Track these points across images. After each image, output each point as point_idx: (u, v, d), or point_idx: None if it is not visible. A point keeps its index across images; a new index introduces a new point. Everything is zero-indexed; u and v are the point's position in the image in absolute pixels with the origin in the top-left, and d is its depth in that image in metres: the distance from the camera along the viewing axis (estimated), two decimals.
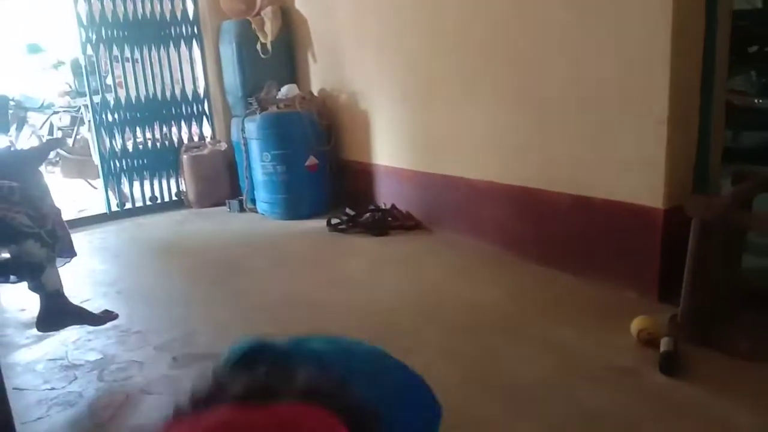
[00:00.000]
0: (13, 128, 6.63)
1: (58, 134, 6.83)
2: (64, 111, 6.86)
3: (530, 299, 2.85)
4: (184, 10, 5.17)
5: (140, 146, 5.24)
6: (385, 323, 2.69)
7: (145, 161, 5.24)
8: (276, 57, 4.90)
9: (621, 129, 2.75)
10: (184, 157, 5.17)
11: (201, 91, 5.39)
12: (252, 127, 4.58)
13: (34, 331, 2.56)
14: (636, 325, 2.37)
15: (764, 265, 2.89)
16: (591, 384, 2.13)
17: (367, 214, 4.22)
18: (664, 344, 2.25)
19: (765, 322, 2.38)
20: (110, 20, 4.88)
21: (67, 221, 2.68)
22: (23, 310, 3.10)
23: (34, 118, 7.00)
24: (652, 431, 1.87)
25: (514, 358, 2.34)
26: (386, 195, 4.40)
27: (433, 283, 3.15)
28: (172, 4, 5.10)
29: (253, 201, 4.91)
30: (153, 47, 5.09)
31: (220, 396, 0.75)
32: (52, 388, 2.37)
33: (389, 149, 4.34)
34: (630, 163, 2.73)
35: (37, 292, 2.34)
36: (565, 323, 2.56)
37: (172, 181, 5.40)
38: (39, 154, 3.05)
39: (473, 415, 2.02)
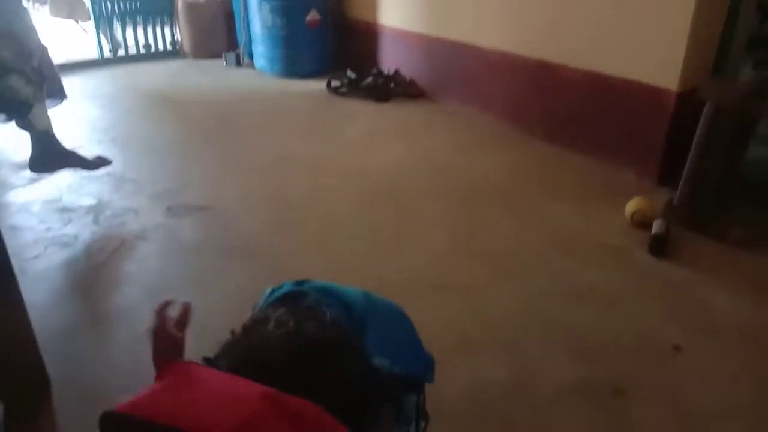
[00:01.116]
0: None
1: None
2: None
3: (530, 174, 2.82)
4: None
5: None
6: (382, 191, 2.68)
7: (138, 4, 4.96)
8: None
9: (645, 2, 2.57)
10: (179, 2, 4.88)
11: None
12: None
13: (28, 172, 2.54)
14: (631, 206, 2.37)
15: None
16: (579, 259, 2.17)
17: (369, 79, 4.07)
18: (656, 226, 2.26)
19: (759, 212, 2.39)
20: None
21: (57, 65, 2.56)
22: (16, 150, 3.05)
23: None
24: (632, 307, 1.93)
25: (506, 231, 2.36)
26: (390, 59, 4.22)
27: (434, 153, 3.10)
28: None
29: (251, 55, 4.71)
30: None
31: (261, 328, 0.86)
32: (48, 229, 2.39)
33: (398, 9, 4.09)
34: (650, 41, 2.59)
35: (27, 131, 2.29)
36: (561, 200, 2.56)
37: (167, 30, 5.16)
38: None
39: (460, 280, 2.07)
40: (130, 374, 1.65)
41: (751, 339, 1.79)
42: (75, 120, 3.50)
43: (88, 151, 2.72)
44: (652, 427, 1.50)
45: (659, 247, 2.19)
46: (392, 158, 3.03)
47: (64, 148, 2.44)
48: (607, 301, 1.96)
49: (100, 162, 2.60)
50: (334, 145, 3.24)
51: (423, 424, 1.09)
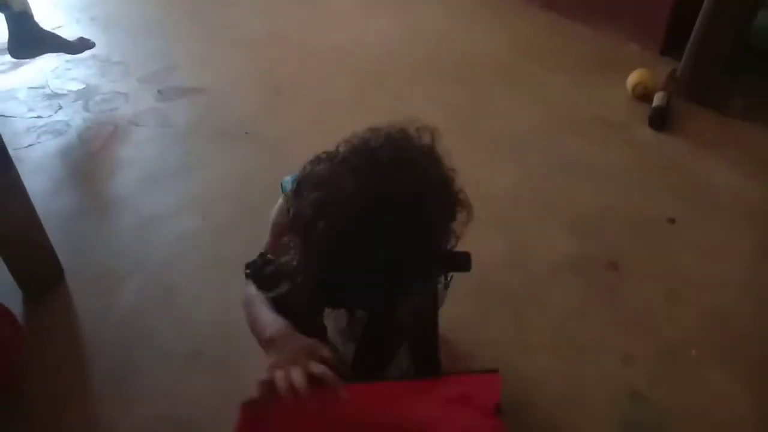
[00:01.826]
0: None
1: None
2: None
3: (529, 47, 2.72)
4: None
5: None
6: (375, 68, 2.59)
7: None
8: None
9: None
10: None
11: None
12: None
13: (9, 57, 2.43)
14: (633, 78, 2.32)
15: None
16: (578, 135, 2.15)
17: None
18: (657, 99, 2.23)
19: (763, 83, 2.34)
20: None
21: None
22: None
23: None
24: (630, 182, 1.95)
25: (503, 107, 2.32)
26: None
27: (427, 24, 2.96)
28: None
29: None
30: None
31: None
32: (39, 117, 2.34)
33: None
34: None
35: (3, 12, 2.16)
36: (560, 73, 2.49)
37: None
38: None
39: (458, 159, 2.05)
40: (137, 258, 1.71)
41: (746, 211, 1.82)
42: None
43: (67, 33, 2.59)
44: (644, 298, 1.57)
45: (660, 120, 2.16)
46: (384, 32, 2.90)
47: (43, 30, 2.32)
48: (604, 175, 1.97)
49: (83, 44, 2.49)
50: (322, 17, 3.08)
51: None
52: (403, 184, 0.80)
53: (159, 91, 2.47)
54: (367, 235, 0.77)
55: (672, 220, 1.79)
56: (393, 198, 0.79)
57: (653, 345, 1.46)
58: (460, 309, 1.37)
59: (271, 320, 0.87)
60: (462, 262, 1.06)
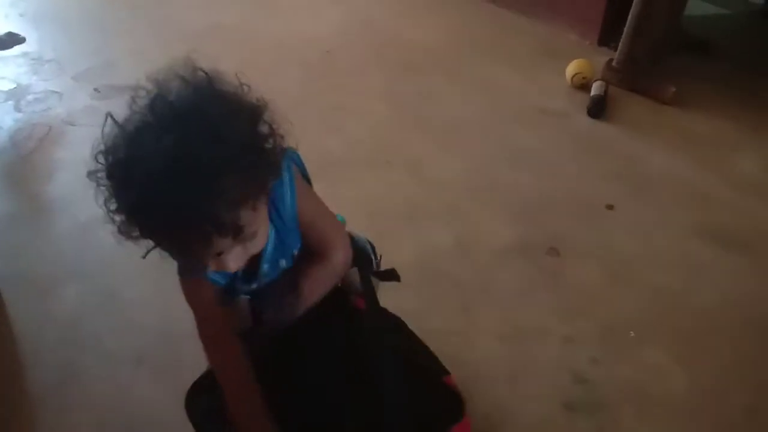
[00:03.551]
0: None
1: None
2: None
3: (471, 38, 2.75)
4: None
5: None
6: (320, 62, 2.58)
7: None
8: None
9: None
10: None
11: None
12: None
13: None
14: (572, 68, 2.37)
15: (706, 12, 2.85)
16: (519, 124, 2.19)
17: None
18: (595, 88, 2.29)
19: (696, 70, 2.44)
20: None
21: None
22: None
23: None
24: (569, 169, 2.00)
25: (447, 98, 2.34)
26: None
27: (371, 17, 2.96)
28: None
29: None
30: None
31: None
32: None
33: None
34: None
35: None
36: (502, 64, 2.53)
37: None
38: None
39: (404, 150, 2.08)
40: (76, 261, 1.66)
41: (680, 193, 1.90)
42: None
43: None
44: (584, 280, 1.62)
45: (598, 108, 2.22)
46: (328, 25, 2.88)
47: None
48: (545, 163, 2.02)
49: (11, 39, 2.40)
50: (263, 10, 3.04)
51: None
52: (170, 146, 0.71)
53: (95, 89, 2.39)
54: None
55: (610, 207, 1.85)
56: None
57: (594, 327, 1.51)
58: (406, 298, 1.38)
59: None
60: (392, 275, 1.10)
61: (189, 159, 0.70)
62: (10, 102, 2.32)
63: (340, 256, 1.01)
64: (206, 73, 0.80)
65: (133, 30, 2.85)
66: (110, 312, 1.51)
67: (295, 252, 1.01)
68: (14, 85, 2.42)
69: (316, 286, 0.98)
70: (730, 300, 1.57)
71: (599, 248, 1.71)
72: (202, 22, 2.88)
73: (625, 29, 2.28)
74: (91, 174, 0.76)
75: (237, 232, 0.77)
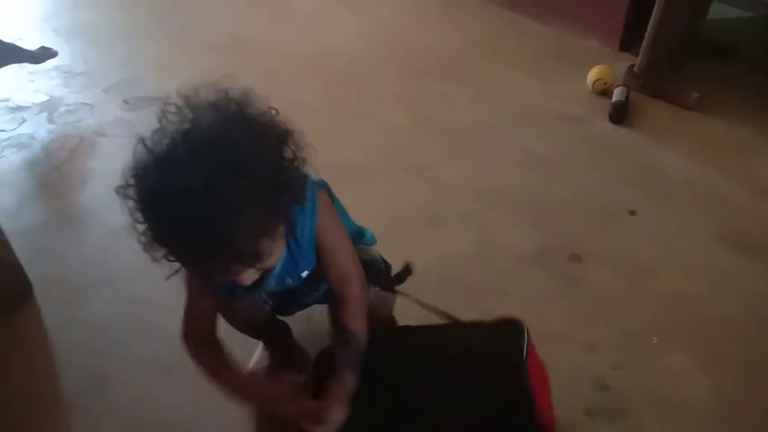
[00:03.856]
0: None
1: None
2: None
3: (490, 45, 2.77)
4: None
5: None
6: (339, 70, 2.62)
7: None
8: None
9: None
10: None
11: None
12: None
13: None
14: (593, 74, 2.37)
15: (729, 16, 2.82)
16: (540, 130, 2.20)
17: None
18: (616, 94, 2.29)
19: (718, 74, 2.42)
20: None
21: None
22: None
23: None
24: (590, 175, 2.00)
25: (466, 105, 2.36)
26: None
27: (389, 25, 2.99)
28: None
29: None
30: None
31: None
32: (2, 130, 2.31)
33: None
34: None
35: None
36: (522, 71, 2.54)
37: None
38: None
39: (422, 157, 2.10)
40: (106, 269, 1.71)
41: (702, 199, 1.89)
42: (8, 10, 3.25)
43: (29, 45, 2.56)
44: (606, 286, 1.62)
45: (619, 114, 2.22)
46: (346, 33, 2.92)
47: (3, 42, 2.30)
48: (566, 169, 2.02)
49: (45, 53, 2.46)
50: (282, 21, 3.09)
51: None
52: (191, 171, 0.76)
53: (124, 101, 2.46)
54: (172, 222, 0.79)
55: (633, 213, 1.85)
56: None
57: (616, 333, 1.50)
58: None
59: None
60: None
61: (214, 195, 0.75)
62: (43, 114, 2.40)
63: (354, 288, 1.06)
64: (237, 102, 0.85)
65: (159, 43, 2.92)
66: (138, 318, 1.56)
67: (305, 274, 1.06)
68: (47, 98, 2.51)
69: (359, 320, 1.04)
70: (752, 306, 1.56)
71: (621, 254, 1.71)
72: (224, 34, 2.94)
73: (646, 35, 2.27)
74: (119, 190, 0.80)
75: (257, 260, 0.82)
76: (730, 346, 1.47)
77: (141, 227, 0.83)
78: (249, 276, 0.88)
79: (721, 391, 1.37)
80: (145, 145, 0.81)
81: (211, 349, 1.06)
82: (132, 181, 0.81)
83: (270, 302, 1.20)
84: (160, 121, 0.83)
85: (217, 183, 0.75)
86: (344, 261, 1.06)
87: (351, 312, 1.04)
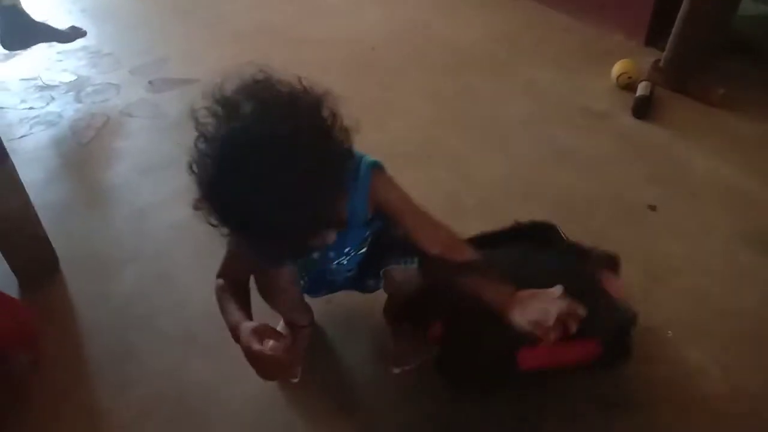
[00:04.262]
0: None
1: None
2: None
3: (515, 38, 2.76)
4: None
5: None
6: (364, 58, 2.64)
7: None
8: None
9: None
10: None
11: None
12: None
13: (1, 49, 2.45)
14: (618, 68, 2.36)
15: (760, 12, 2.79)
16: (563, 124, 2.20)
17: None
18: (641, 89, 2.28)
19: (745, 71, 2.39)
20: None
21: None
22: None
23: None
24: (612, 169, 2.00)
25: (491, 98, 2.36)
26: None
27: (417, 17, 3.00)
28: None
29: None
30: None
31: None
32: (31, 108, 2.36)
33: None
34: None
35: None
36: (547, 64, 2.54)
37: None
38: None
39: (447, 148, 2.11)
40: (131, 246, 1.75)
41: (725, 197, 1.88)
42: None
43: (58, 24, 2.60)
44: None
45: (643, 109, 2.21)
46: (371, 24, 2.93)
47: (35, 21, 2.34)
48: (587, 163, 2.02)
49: (74, 33, 2.50)
50: (309, 10, 3.11)
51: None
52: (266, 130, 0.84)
53: (150, 83, 2.49)
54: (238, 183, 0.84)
55: (653, 207, 1.84)
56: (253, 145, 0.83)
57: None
58: None
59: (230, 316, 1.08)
60: None
61: (295, 186, 0.83)
62: (71, 93, 2.45)
63: (439, 239, 1.13)
64: (286, 92, 0.90)
65: (184, 28, 2.96)
66: (162, 294, 1.59)
67: (347, 250, 1.16)
68: (75, 77, 2.55)
69: (463, 251, 1.13)
70: None
71: (640, 249, 1.71)
72: (250, 22, 2.97)
73: (674, 29, 2.26)
74: (198, 203, 0.91)
75: (338, 223, 0.94)
76: (749, 343, 1.47)
77: (218, 218, 0.90)
78: (331, 234, 0.96)
79: (738, 388, 1.37)
80: (207, 146, 0.88)
81: (235, 291, 1.12)
82: (203, 174, 0.87)
83: (305, 278, 1.23)
84: (215, 118, 0.88)
85: (301, 156, 0.83)
86: (418, 224, 1.13)
87: (453, 254, 1.11)
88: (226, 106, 0.87)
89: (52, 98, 2.41)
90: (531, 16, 2.92)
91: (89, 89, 2.47)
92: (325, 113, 0.91)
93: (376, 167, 1.10)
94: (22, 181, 1.54)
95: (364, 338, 1.46)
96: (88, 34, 2.59)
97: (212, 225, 0.91)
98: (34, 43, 2.40)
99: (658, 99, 2.27)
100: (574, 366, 1.26)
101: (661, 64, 2.35)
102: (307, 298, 1.39)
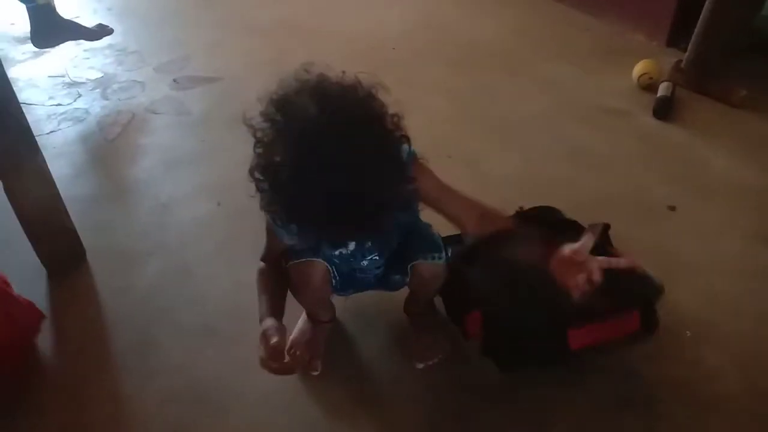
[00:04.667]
0: None
1: None
2: None
3: (535, 36, 2.76)
4: None
5: None
6: (382, 54, 2.66)
7: None
8: None
9: None
10: None
11: None
12: None
13: (29, 46, 2.52)
14: (638, 68, 2.36)
15: None
16: (583, 123, 2.20)
17: None
18: (662, 89, 2.27)
19: (767, 72, 2.37)
20: None
21: None
22: (13, 24, 3.00)
23: None
24: (632, 169, 2.00)
25: (509, 96, 2.37)
26: None
27: (436, 13, 3.01)
28: None
29: None
30: None
31: None
32: (59, 104, 2.42)
33: None
34: None
35: (26, 4, 2.24)
36: (566, 62, 2.54)
37: None
38: None
39: (465, 146, 2.12)
40: (155, 240, 1.79)
41: (745, 198, 1.87)
42: None
43: (86, 22, 2.66)
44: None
45: (664, 109, 2.20)
46: (390, 19, 2.95)
47: (64, 19, 2.39)
48: (607, 163, 2.02)
49: (102, 31, 2.55)
50: (329, 6, 3.14)
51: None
52: (335, 119, 0.89)
53: (174, 80, 2.54)
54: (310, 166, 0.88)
55: (672, 208, 1.84)
56: (326, 130, 0.88)
57: None
58: None
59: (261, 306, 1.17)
60: None
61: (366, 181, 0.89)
62: (97, 90, 2.50)
63: (474, 213, 1.21)
64: (346, 97, 0.96)
65: (207, 25, 3.01)
66: (185, 287, 1.63)
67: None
68: (101, 75, 2.60)
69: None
70: None
71: (658, 248, 1.71)
72: (271, 19, 3.01)
73: (696, 30, 2.25)
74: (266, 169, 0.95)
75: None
76: (766, 344, 1.46)
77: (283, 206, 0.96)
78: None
79: (755, 388, 1.37)
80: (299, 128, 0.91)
81: (274, 275, 1.23)
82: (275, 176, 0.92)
83: (336, 277, 1.27)
84: (272, 120, 0.95)
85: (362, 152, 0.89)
86: (456, 206, 1.21)
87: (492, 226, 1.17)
88: (289, 108, 0.92)
89: (79, 95, 2.47)
90: (551, 14, 2.92)
91: (115, 86, 2.53)
92: (377, 100, 0.98)
93: (415, 155, 1.15)
94: (51, 175, 1.59)
95: (384, 333, 1.49)
96: (114, 33, 2.65)
97: (277, 223, 1.02)
98: (63, 41, 2.46)
99: (679, 100, 2.26)
100: (619, 341, 1.30)
101: (682, 65, 2.34)
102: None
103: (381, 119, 0.96)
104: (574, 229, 1.52)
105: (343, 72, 0.99)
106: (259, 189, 0.96)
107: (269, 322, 1.11)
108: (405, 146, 1.09)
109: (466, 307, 1.37)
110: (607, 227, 1.45)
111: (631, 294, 1.30)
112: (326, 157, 0.86)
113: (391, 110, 1.01)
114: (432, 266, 1.24)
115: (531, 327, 1.28)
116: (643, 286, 1.32)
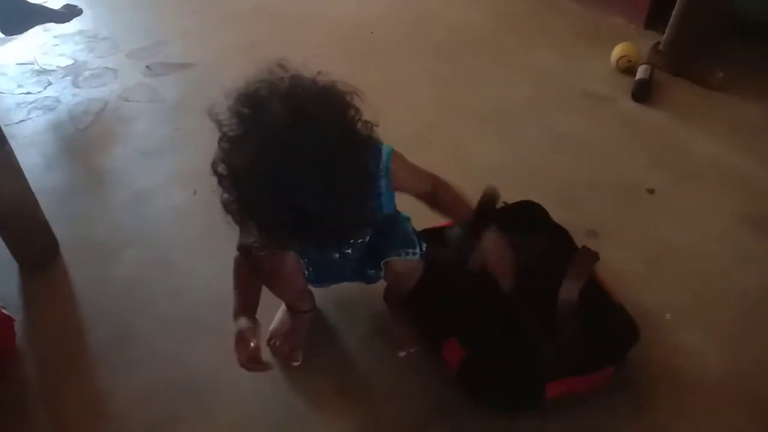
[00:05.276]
0: None
1: None
2: None
3: (514, 21, 2.74)
4: None
5: None
6: (366, 42, 2.62)
7: None
8: None
9: None
10: None
11: None
12: None
13: None
14: (617, 51, 2.35)
15: None
16: (563, 108, 2.20)
17: None
18: (640, 72, 2.27)
19: (745, 55, 2.38)
20: None
21: None
22: None
23: None
24: (611, 153, 2.00)
25: (490, 82, 2.35)
26: None
27: (419, 1, 2.97)
28: None
29: None
30: None
31: None
32: (28, 93, 2.35)
33: None
34: None
35: None
36: (546, 47, 2.53)
37: None
38: None
39: (446, 133, 2.11)
40: (133, 230, 1.75)
41: (724, 180, 1.88)
42: None
43: (53, 4, 2.57)
44: (621, 263, 1.63)
45: (643, 92, 2.21)
46: (370, 6, 2.91)
47: (31, 4, 2.31)
48: (587, 147, 2.02)
49: (70, 12, 2.45)
50: None
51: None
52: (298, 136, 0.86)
53: (147, 67, 2.48)
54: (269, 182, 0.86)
55: (651, 191, 1.85)
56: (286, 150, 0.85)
57: (629, 308, 1.51)
58: None
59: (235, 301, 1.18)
60: None
61: (339, 186, 0.87)
62: (68, 78, 2.43)
63: (442, 182, 1.30)
64: (317, 97, 0.92)
65: (181, 11, 2.93)
66: (163, 278, 1.60)
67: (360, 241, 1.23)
68: (72, 62, 2.53)
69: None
70: None
71: (639, 232, 1.72)
72: (247, 4, 2.94)
73: (674, 12, 2.25)
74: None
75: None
76: (747, 325, 1.48)
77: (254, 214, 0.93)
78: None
79: (736, 370, 1.38)
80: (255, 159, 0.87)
81: (246, 264, 1.21)
82: (257, 173, 0.87)
83: (309, 269, 1.24)
84: (239, 116, 0.90)
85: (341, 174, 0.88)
86: (423, 181, 1.26)
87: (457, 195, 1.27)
88: (254, 105, 0.88)
89: (49, 83, 2.40)
90: None
91: (86, 74, 2.46)
92: (351, 109, 0.95)
93: (394, 152, 1.14)
94: (21, 166, 1.54)
95: (365, 322, 1.47)
96: (84, 18, 2.56)
97: (237, 223, 0.97)
98: (32, 26, 2.37)
99: (657, 82, 2.26)
100: (594, 390, 1.31)
101: (660, 47, 2.34)
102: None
103: (353, 132, 0.93)
104: (557, 232, 1.59)
105: (319, 72, 0.94)
106: (220, 184, 0.92)
107: (243, 323, 1.10)
108: (384, 146, 1.08)
109: (444, 332, 1.34)
110: (597, 258, 1.46)
111: (608, 352, 1.30)
112: (291, 174, 0.83)
113: (365, 116, 0.98)
114: (405, 262, 1.22)
115: (512, 375, 1.26)
116: (620, 340, 1.33)
